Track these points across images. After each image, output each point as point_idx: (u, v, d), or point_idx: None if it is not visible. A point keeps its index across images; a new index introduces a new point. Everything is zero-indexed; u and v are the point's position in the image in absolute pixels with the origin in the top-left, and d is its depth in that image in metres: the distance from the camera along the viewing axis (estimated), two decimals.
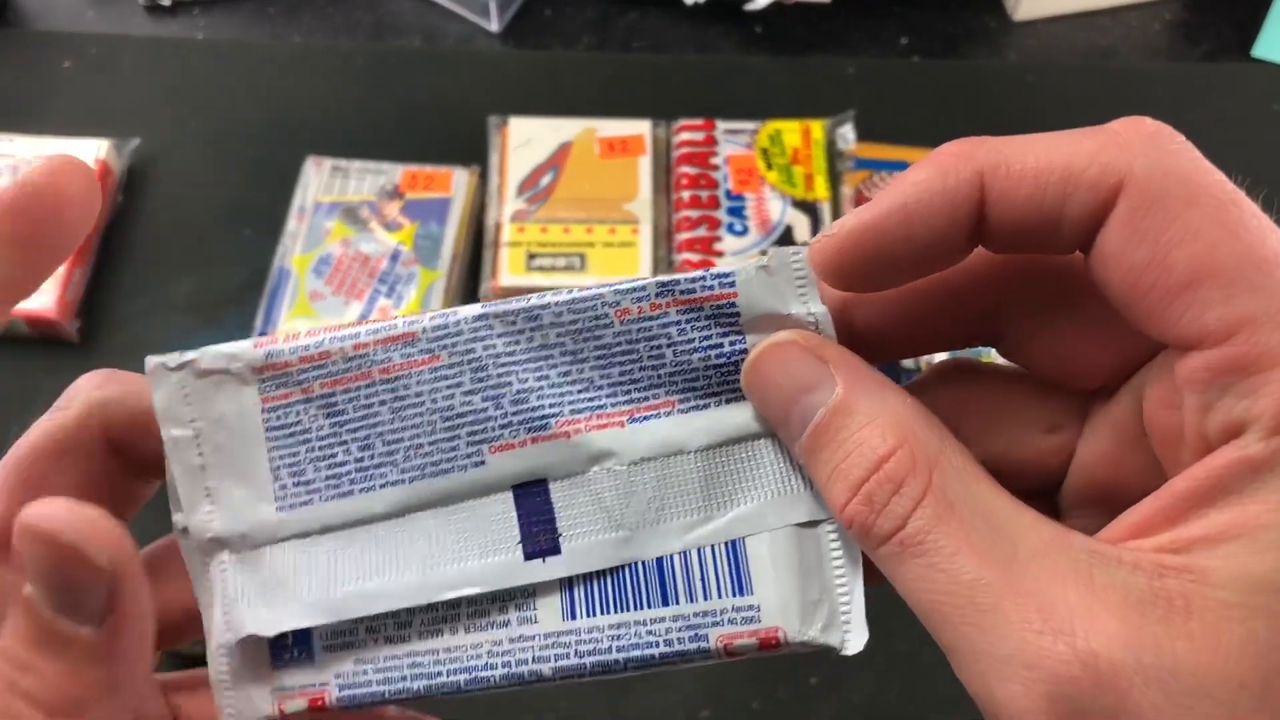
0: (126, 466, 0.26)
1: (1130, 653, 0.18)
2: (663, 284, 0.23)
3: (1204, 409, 0.19)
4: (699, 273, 0.23)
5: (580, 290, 0.23)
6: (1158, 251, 0.19)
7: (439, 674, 0.24)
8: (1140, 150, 0.20)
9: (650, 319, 0.23)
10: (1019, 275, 0.23)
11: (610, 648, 0.24)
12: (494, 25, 0.80)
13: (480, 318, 0.23)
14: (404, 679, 0.24)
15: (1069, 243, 0.21)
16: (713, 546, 0.24)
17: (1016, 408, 0.25)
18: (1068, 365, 0.23)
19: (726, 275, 0.23)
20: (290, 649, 0.24)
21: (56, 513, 0.20)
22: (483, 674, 0.24)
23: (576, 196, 0.70)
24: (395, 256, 0.68)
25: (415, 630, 0.24)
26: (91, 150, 0.71)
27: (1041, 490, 0.24)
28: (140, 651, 0.21)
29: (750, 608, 0.23)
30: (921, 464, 0.20)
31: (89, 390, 0.26)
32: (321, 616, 0.24)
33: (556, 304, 0.23)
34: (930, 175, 0.21)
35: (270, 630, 0.24)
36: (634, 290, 0.23)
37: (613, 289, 0.23)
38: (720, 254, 0.68)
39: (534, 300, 0.23)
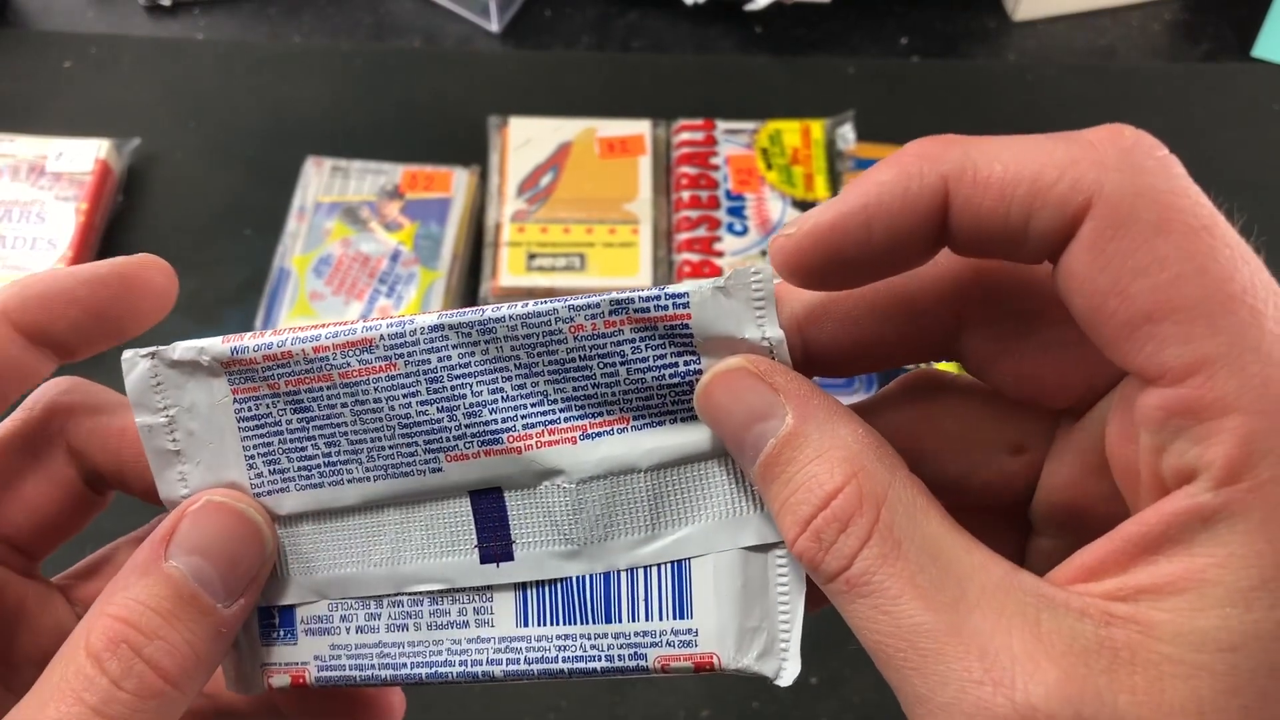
0: (83, 475, 0.27)
1: (1070, 706, 0.17)
2: (616, 302, 0.23)
3: (1158, 450, 0.19)
4: (653, 291, 0.23)
5: (535, 304, 0.23)
6: (1120, 279, 0.18)
7: (403, 665, 0.25)
8: (1114, 165, 0.19)
9: (604, 336, 0.23)
10: (982, 290, 0.23)
11: (556, 657, 0.24)
12: (494, 25, 0.80)
13: (436, 328, 0.24)
14: (373, 667, 0.25)
15: (1035, 255, 0.20)
16: (659, 567, 0.24)
17: (981, 427, 0.24)
18: (1033, 385, 0.23)
19: (680, 295, 0.23)
20: (277, 628, 0.26)
21: (238, 494, 0.24)
22: (442, 669, 0.25)
23: (576, 196, 0.70)
24: (395, 256, 0.68)
25: (384, 623, 0.25)
26: (91, 150, 0.71)
27: (1011, 506, 0.24)
28: (232, 639, 0.24)
29: (688, 631, 0.24)
30: (869, 501, 0.20)
31: (53, 395, 0.26)
32: (306, 595, 0.25)
33: (511, 317, 0.23)
34: (894, 177, 0.20)
35: (266, 601, 0.25)
36: (588, 307, 0.23)
37: (567, 304, 0.23)
38: (720, 254, 0.68)
39: (489, 313, 0.23)
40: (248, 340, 0.24)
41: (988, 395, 0.24)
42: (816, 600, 0.23)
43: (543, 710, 0.56)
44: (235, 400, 0.24)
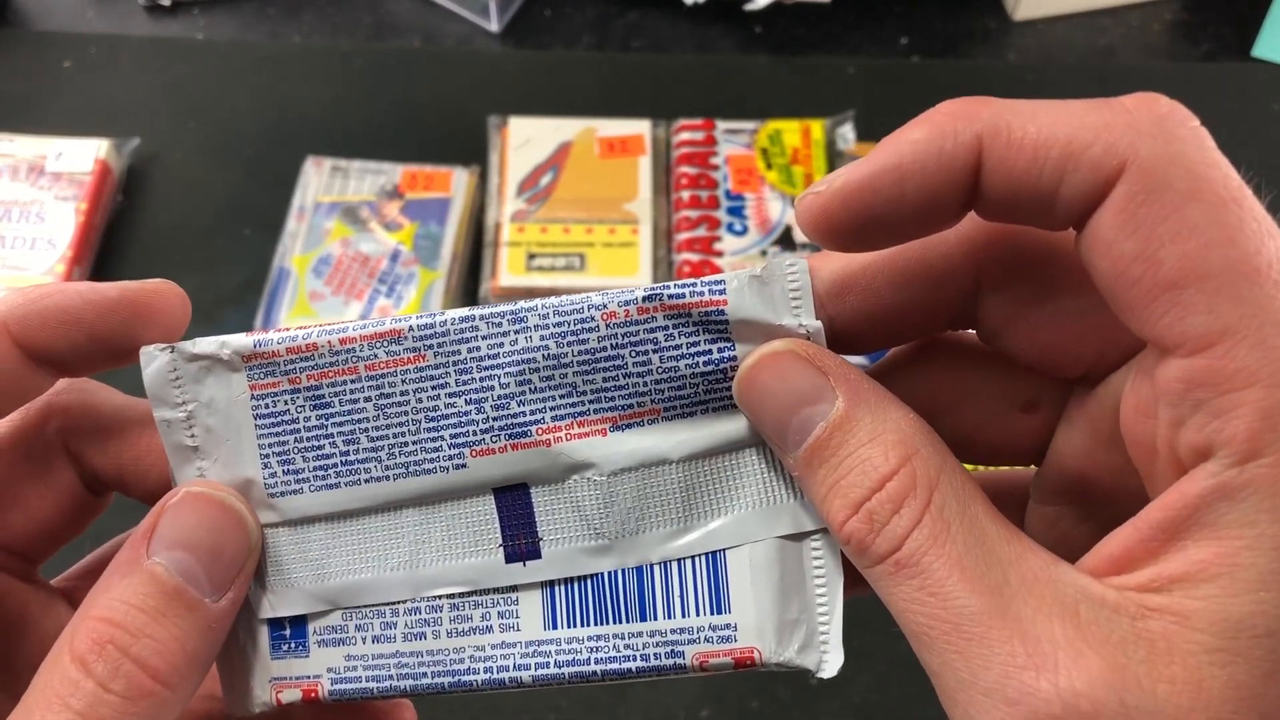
0: (82, 477, 0.26)
1: (1113, 693, 0.17)
2: (651, 291, 0.23)
3: (1177, 423, 0.18)
4: (689, 280, 0.23)
5: (568, 296, 0.23)
6: (1150, 244, 0.18)
7: (424, 675, 0.24)
8: (1148, 132, 0.19)
9: (637, 323, 0.23)
10: (1000, 255, 0.23)
11: (589, 659, 0.24)
12: (494, 25, 0.80)
13: (466, 319, 0.23)
14: (390, 678, 0.24)
15: (1063, 219, 0.20)
16: (693, 560, 0.24)
17: (992, 382, 0.24)
18: (1048, 353, 0.23)
19: (717, 283, 0.23)
20: (288, 640, 0.25)
21: (218, 484, 0.23)
22: (466, 678, 0.24)
23: (576, 196, 0.70)
24: (395, 256, 0.68)
25: (400, 631, 0.24)
26: (91, 150, 0.71)
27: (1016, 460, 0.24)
28: (224, 635, 0.23)
29: (727, 626, 0.23)
30: (923, 484, 0.20)
31: (49, 396, 0.26)
32: (315, 604, 0.24)
33: (543, 307, 0.23)
34: (928, 135, 0.20)
35: (268, 613, 0.24)
36: (621, 293, 0.23)
37: (601, 294, 0.23)
38: (720, 254, 0.68)
39: (521, 304, 0.23)
40: (272, 334, 0.24)
41: (1001, 356, 0.24)
42: (853, 586, 0.23)
43: (542, 711, 0.56)
44: (253, 396, 0.24)
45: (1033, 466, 0.24)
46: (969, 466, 0.22)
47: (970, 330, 0.24)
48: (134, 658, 0.21)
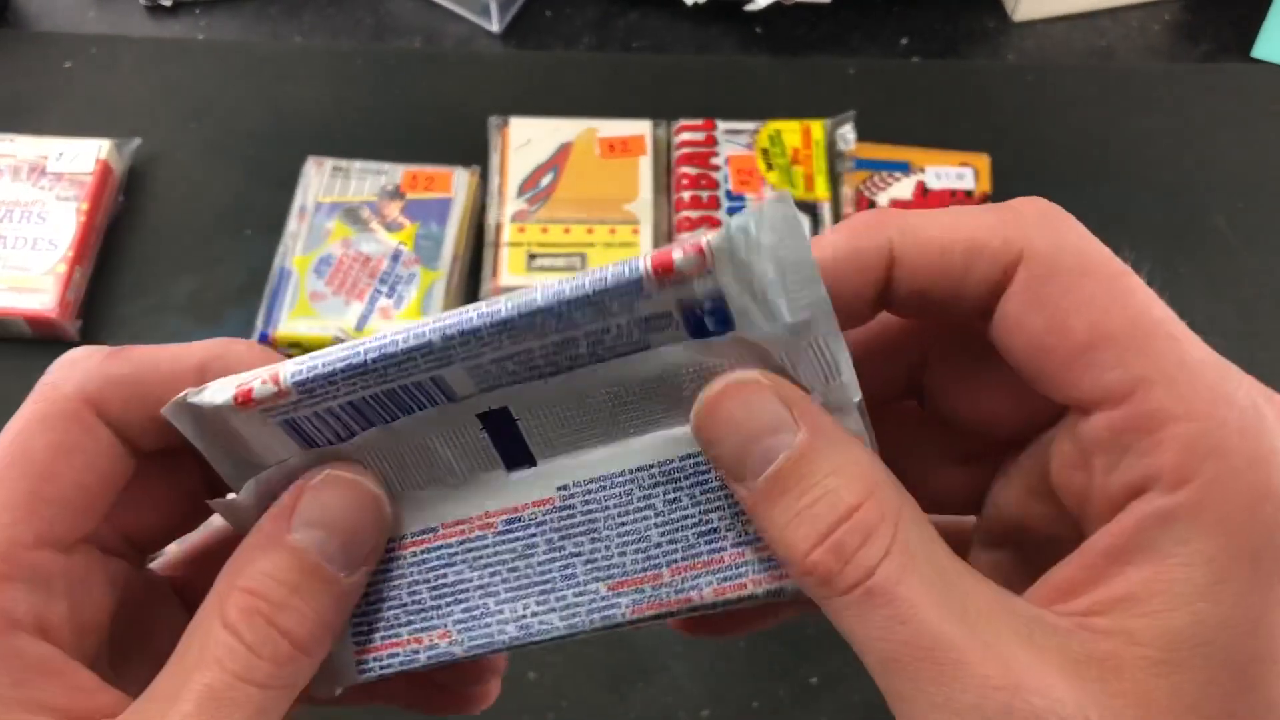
0: (121, 439, 0.26)
1: (1080, 711, 0.18)
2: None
3: (1109, 469, 0.20)
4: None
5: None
6: (1057, 316, 0.20)
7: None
8: (1037, 225, 0.21)
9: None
10: (941, 334, 0.25)
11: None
12: (494, 25, 0.80)
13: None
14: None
15: (971, 309, 0.22)
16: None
17: (932, 437, 0.26)
18: (979, 419, 0.25)
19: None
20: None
21: (358, 467, 0.25)
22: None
23: (577, 197, 0.70)
24: (396, 257, 0.68)
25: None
26: (92, 150, 0.71)
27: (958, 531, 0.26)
28: (354, 607, 0.25)
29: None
30: (889, 515, 0.21)
31: (82, 367, 0.25)
32: None
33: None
34: (844, 238, 0.22)
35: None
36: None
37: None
38: None
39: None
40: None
41: (941, 419, 0.26)
42: (786, 610, 0.24)
43: (541, 710, 0.56)
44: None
45: (973, 517, 0.26)
46: None
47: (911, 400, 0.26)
48: (279, 627, 0.23)
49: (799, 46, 0.80)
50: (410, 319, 0.66)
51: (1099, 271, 0.21)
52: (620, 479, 0.24)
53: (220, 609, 0.23)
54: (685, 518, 0.24)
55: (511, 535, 0.25)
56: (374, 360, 0.23)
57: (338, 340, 0.64)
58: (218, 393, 0.24)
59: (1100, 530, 0.20)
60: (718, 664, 0.57)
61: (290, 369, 0.24)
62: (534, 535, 0.25)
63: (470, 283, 0.69)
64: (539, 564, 0.25)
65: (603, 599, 0.25)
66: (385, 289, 0.67)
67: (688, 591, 0.24)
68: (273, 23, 0.82)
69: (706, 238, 0.21)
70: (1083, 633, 0.19)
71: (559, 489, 0.25)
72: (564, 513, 0.25)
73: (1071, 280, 0.21)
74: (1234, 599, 0.18)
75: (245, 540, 0.24)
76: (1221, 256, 0.70)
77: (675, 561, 0.24)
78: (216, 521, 0.27)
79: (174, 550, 0.29)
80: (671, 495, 0.24)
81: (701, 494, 0.24)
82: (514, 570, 0.25)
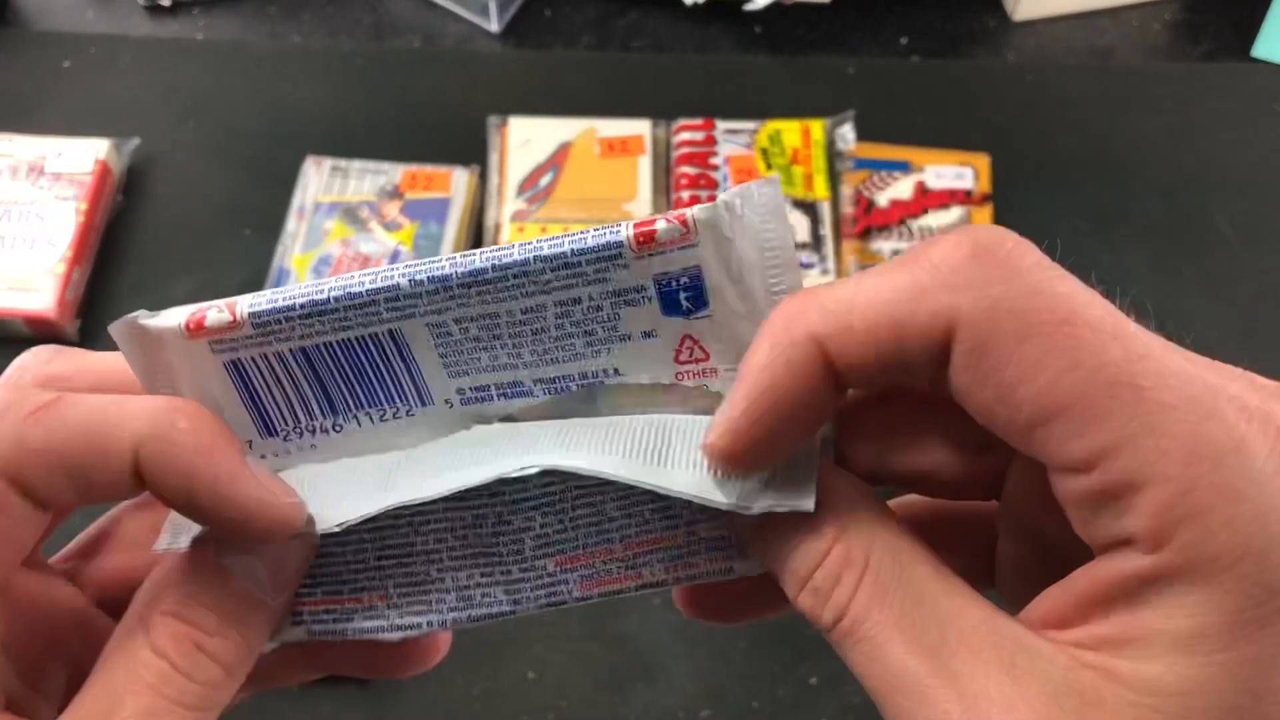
0: (35, 503, 0.25)
1: None
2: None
3: (1085, 522, 0.20)
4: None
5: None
6: (1002, 390, 0.19)
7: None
8: (964, 284, 0.19)
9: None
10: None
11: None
12: (494, 25, 0.80)
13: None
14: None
15: (923, 381, 0.21)
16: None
17: (947, 424, 0.25)
18: (989, 417, 0.24)
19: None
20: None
21: (287, 489, 0.24)
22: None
23: (576, 196, 0.70)
24: (395, 256, 0.68)
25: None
26: (91, 150, 0.71)
27: (977, 524, 0.26)
28: (278, 624, 0.25)
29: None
30: (856, 554, 0.21)
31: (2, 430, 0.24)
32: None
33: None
34: (772, 357, 0.21)
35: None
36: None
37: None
38: None
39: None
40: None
41: (953, 403, 0.25)
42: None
43: (542, 710, 0.56)
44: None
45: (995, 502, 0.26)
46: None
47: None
48: (209, 652, 0.23)
49: (798, 46, 0.80)
50: None
51: (1039, 329, 0.19)
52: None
53: (147, 631, 0.23)
54: (644, 494, 0.24)
55: (463, 504, 0.25)
56: (336, 298, 0.23)
57: None
58: (170, 317, 0.24)
59: (1086, 570, 0.20)
60: (718, 664, 0.57)
61: (249, 300, 0.23)
62: (484, 506, 0.25)
63: None
64: (487, 535, 0.24)
65: (549, 574, 0.24)
66: None
67: (639, 568, 0.24)
68: (271, 22, 0.82)
69: (691, 210, 0.21)
70: (1070, 662, 0.19)
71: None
72: (517, 485, 0.24)
73: (1010, 348, 0.19)
74: (1208, 656, 0.18)
75: (169, 560, 0.24)
76: (1221, 256, 0.70)
77: (629, 537, 0.24)
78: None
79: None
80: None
81: None
82: (462, 539, 0.25)
